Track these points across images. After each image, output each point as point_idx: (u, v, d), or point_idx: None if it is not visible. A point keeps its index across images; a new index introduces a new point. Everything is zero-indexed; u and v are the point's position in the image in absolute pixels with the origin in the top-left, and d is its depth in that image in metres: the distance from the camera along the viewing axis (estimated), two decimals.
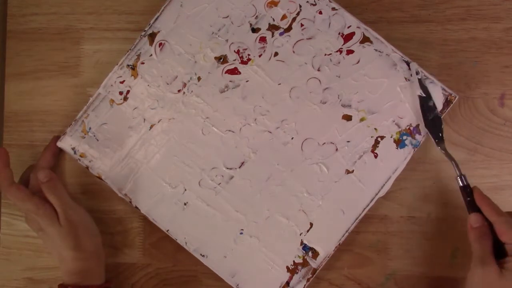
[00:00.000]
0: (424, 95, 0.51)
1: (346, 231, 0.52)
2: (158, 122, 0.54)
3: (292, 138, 0.53)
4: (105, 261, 0.53)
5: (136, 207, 0.53)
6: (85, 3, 0.57)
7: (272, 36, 0.53)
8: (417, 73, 0.51)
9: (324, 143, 0.53)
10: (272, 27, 0.53)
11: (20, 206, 0.50)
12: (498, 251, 0.46)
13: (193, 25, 0.53)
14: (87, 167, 0.54)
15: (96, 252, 0.51)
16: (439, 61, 0.55)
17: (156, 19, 0.53)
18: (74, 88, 0.57)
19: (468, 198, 0.49)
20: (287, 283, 0.52)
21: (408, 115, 0.52)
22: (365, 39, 0.53)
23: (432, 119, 0.51)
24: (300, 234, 0.53)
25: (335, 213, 0.52)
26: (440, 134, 0.51)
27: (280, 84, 0.53)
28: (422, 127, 0.52)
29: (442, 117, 0.51)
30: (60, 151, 0.55)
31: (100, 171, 0.53)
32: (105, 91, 0.54)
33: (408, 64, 0.52)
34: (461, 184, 0.50)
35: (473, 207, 0.49)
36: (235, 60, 0.53)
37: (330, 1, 0.53)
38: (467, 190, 0.49)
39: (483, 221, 0.47)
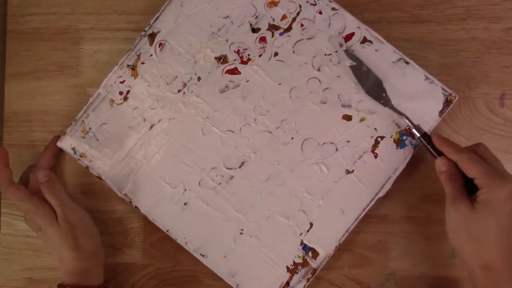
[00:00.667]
0: (354, 63, 0.51)
1: (346, 231, 0.52)
2: (158, 122, 0.54)
3: (292, 138, 0.53)
4: (105, 261, 0.53)
5: (136, 207, 0.53)
6: (85, 3, 0.57)
7: (272, 36, 0.53)
8: (340, 45, 0.51)
9: (324, 143, 0.53)
10: (272, 27, 0.53)
11: (19, 206, 0.50)
12: (471, 188, 0.47)
13: (193, 25, 0.53)
14: (87, 167, 0.54)
15: (95, 252, 0.51)
16: (439, 61, 0.55)
17: (156, 19, 0.53)
18: (74, 88, 0.57)
19: (430, 146, 0.49)
20: (287, 283, 0.52)
21: (408, 115, 0.52)
22: (365, 39, 0.53)
23: (371, 84, 0.51)
24: (300, 234, 0.53)
25: (335, 213, 0.52)
26: (384, 94, 0.51)
27: (280, 84, 0.53)
28: (423, 129, 0.52)
29: (378, 76, 0.51)
30: (60, 151, 0.55)
31: (100, 171, 0.53)
32: (105, 91, 0.54)
33: (407, 63, 0.52)
34: (418, 135, 0.50)
35: (437, 152, 0.49)
36: (235, 60, 0.53)
37: (330, 1, 0.53)
38: (427, 138, 0.49)
39: (449, 163, 0.48)
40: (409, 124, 0.50)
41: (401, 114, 0.51)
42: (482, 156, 0.47)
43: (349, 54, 0.51)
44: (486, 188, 0.45)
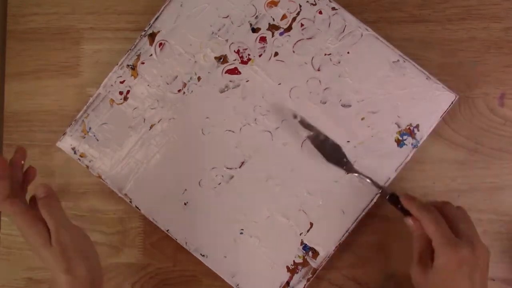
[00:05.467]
0: (311, 133, 0.51)
1: (346, 231, 0.52)
2: (158, 122, 0.54)
3: (292, 138, 0.53)
4: (102, 286, 0.50)
5: (136, 207, 0.53)
6: (85, 3, 0.57)
7: (272, 36, 0.53)
8: (295, 116, 0.52)
9: None
10: (272, 27, 0.53)
11: (13, 222, 0.47)
12: None
13: (193, 25, 0.53)
14: (87, 167, 0.54)
15: (90, 277, 0.47)
16: (439, 61, 0.55)
17: (156, 19, 0.53)
18: (74, 88, 0.57)
19: (399, 205, 0.49)
20: (287, 283, 0.52)
21: (408, 115, 0.52)
22: (365, 39, 0.52)
23: (330, 151, 0.51)
24: (300, 234, 0.53)
25: (335, 213, 0.52)
26: (345, 160, 0.51)
27: (280, 84, 0.53)
28: (423, 129, 0.52)
29: (336, 142, 0.51)
30: (59, 150, 0.55)
31: (100, 171, 0.53)
32: (105, 91, 0.54)
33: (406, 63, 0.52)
34: (387, 197, 0.50)
35: (406, 211, 0.49)
36: (235, 60, 0.53)
37: (330, 1, 0.53)
38: (395, 198, 0.49)
39: (415, 224, 0.47)
40: (374, 185, 0.50)
41: (365, 176, 0.51)
42: (446, 216, 0.46)
43: (305, 124, 0.51)
44: (439, 253, 0.44)
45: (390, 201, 0.50)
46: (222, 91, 0.53)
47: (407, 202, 0.48)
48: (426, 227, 0.45)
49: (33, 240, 0.46)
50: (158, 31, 0.53)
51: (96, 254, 0.49)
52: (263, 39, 0.53)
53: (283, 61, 0.53)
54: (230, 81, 0.53)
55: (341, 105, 0.53)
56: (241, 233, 0.53)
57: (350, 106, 0.53)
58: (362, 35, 0.53)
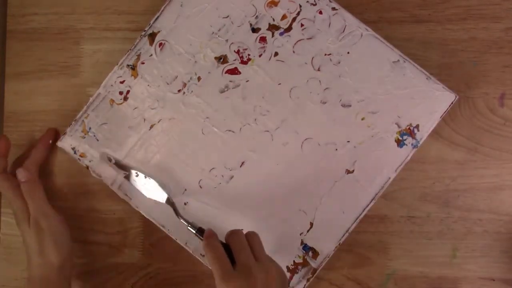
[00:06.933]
0: (127, 172, 0.53)
1: (346, 231, 0.52)
2: (158, 122, 0.54)
3: (292, 138, 0.53)
4: (71, 280, 0.52)
5: (136, 207, 0.53)
6: (85, 3, 0.57)
7: (272, 36, 0.53)
8: (109, 159, 0.53)
9: (324, 143, 0.53)
10: (272, 27, 0.53)
11: (4, 196, 0.52)
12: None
13: (193, 25, 0.53)
14: (87, 167, 0.54)
15: (60, 266, 0.50)
16: (439, 61, 0.55)
17: (156, 19, 0.53)
18: (74, 88, 0.57)
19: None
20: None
21: (408, 115, 0.52)
22: (365, 39, 0.53)
23: (150, 187, 0.52)
24: (300, 234, 0.53)
25: (335, 213, 0.52)
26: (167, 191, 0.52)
27: (280, 84, 0.53)
28: (423, 129, 0.52)
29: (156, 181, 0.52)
30: (56, 148, 0.55)
31: (101, 171, 0.53)
32: (105, 91, 0.54)
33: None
34: (194, 231, 0.50)
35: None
36: (235, 60, 0.53)
37: (330, 1, 0.53)
38: (201, 232, 0.50)
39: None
40: (184, 222, 0.50)
41: (189, 223, 0.50)
42: (230, 243, 0.46)
43: (120, 165, 0.53)
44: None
45: (198, 235, 0.50)
46: (222, 91, 0.53)
47: (205, 241, 0.47)
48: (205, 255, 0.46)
49: (16, 215, 0.51)
50: (158, 31, 0.53)
51: (69, 248, 0.52)
52: (263, 39, 0.53)
53: (283, 61, 0.53)
54: (230, 81, 0.53)
55: (341, 105, 0.53)
56: None
57: (350, 106, 0.53)
58: (362, 35, 0.53)
